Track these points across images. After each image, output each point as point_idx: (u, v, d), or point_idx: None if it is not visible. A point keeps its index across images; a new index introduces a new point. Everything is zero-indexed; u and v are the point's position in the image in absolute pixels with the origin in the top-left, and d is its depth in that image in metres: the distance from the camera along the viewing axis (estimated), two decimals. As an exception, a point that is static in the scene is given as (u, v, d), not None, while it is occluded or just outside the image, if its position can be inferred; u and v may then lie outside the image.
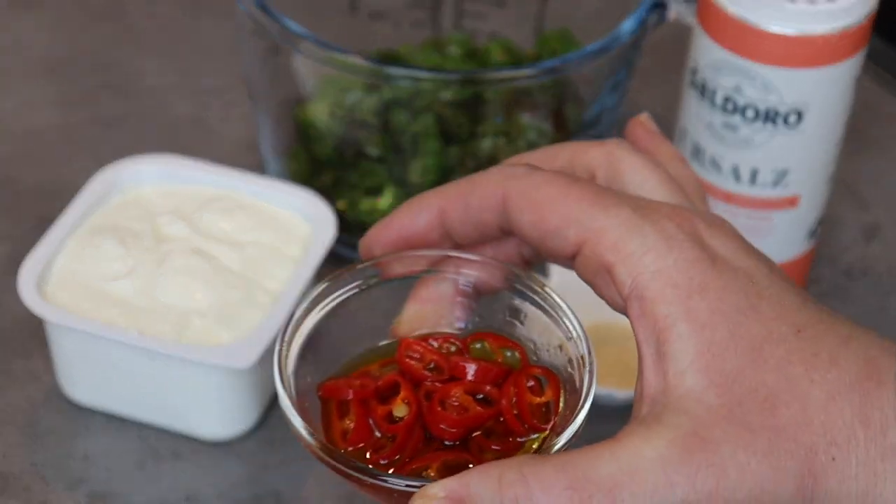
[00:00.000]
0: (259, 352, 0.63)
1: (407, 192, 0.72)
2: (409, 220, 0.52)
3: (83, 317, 0.64)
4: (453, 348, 0.52)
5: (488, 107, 0.72)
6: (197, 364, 0.63)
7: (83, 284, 0.66)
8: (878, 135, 0.87)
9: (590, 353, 0.50)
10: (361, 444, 0.49)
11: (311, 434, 0.48)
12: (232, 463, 0.66)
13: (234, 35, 0.89)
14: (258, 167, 0.79)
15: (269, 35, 0.70)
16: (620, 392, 0.66)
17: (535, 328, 0.53)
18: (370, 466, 0.47)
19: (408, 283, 0.53)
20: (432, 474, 0.48)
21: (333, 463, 0.47)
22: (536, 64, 0.70)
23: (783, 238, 0.70)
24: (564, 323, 0.51)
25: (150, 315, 0.65)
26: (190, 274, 0.66)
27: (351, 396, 0.50)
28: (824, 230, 0.79)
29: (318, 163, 0.75)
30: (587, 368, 0.50)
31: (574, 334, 0.51)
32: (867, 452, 0.46)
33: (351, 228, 0.74)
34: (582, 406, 0.49)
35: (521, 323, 0.53)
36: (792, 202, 0.69)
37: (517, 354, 0.52)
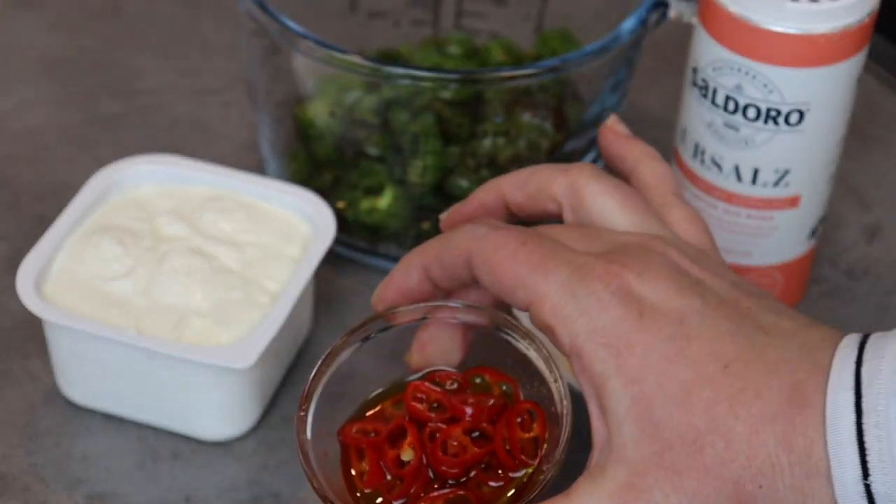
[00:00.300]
0: (259, 352, 0.62)
1: (407, 191, 0.72)
2: (402, 279, 0.59)
3: (82, 317, 0.64)
4: (455, 385, 0.58)
5: (488, 107, 0.72)
6: (196, 364, 0.63)
7: (82, 284, 0.66)
8: (879, 134, 0.86)
9: (567, 397, 0.55)
10: (376, 486, 0.56)
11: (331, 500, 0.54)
12: (231, 463, 0.66)
13: (233, 35, 0.89)
14: (258, 167, 0.79)
15: (269, 34, 0.70)
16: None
17: (525, 366, 0.58)
18: None
19: (409, 330, 0.59)
20: None
21: None
22: (536, 63, 0.70)
23: (784, 238, 0.70)
24: (547, 364, 0.56)
25: (150, 315, 0.65)
26: (189, 274, 0.66)
27: (365, 445, 0.56)
28: (826, 230, 0.79)
29: (317, 162, 0.75)
30: (566, 415, 0.55)
31: (556, 376, 0.56)
32: (793, 475, 0.49)
33: (351, 228, 0.74)
34: (563, 450, 0.54)
35: (513, 360, 0.58)
36: (793, 202, 0.69)
37: (511, 388, 0.58)
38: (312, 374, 0.57)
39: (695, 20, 0.68)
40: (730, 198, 0.69)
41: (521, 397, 0.58)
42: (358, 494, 0.56)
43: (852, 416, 0.49)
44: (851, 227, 0.80)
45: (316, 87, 0.73)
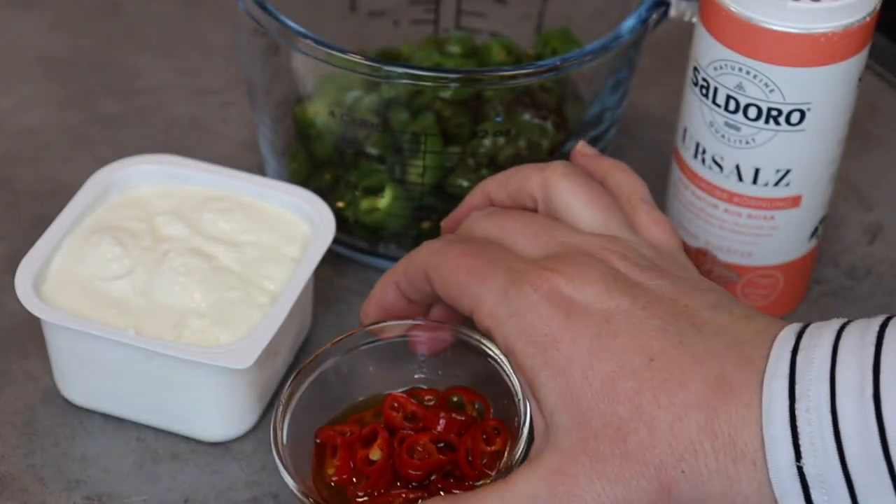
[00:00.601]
0: (258, 352, 0.62)
1: (407, 191, 0.72)
2: (381, 295, 0.63)
3: (81, 317, 0.64)
4: (433, 401, 0.63)
5: (488, 106, 0.72)
6: (195, 364, 0.62)
7: (81, 284, 0.65)
8: (880, 134, 0.86)
9: (526, 414, 0.58)
10: (343, 481, 0.60)
11: (300, 490, 0.58)
12: (230, 464, 0.65)
13: (233, 34, 0.89)
14: (257, 167, 0.79)
15: (269, 33, 0.70)
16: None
17: (497, 383, 0.61)
18: None
19: (393, 345, 0.63)
20: None
21: None
22: (537, 63, 0.70)
23: (786, 238, 0.70)
24: (514, 384, 0.59)
25: (149, 315, 0.65)
26: (188, 274, 0.66)
27: (339, 442, 0.61)
28: (827, 230, 0.79)
29: (317, 162, 0.74)
30: (524, 428, 0.58)
31: (520, 396, 0.59)
32: (717, 461, 0.52)
33: (350, 228, 0.74)
34: (511, 457, 0.58)
35: (488, 377, 0.62)
36: (794, 202, 0.69)
37: (483, 406, 0.62)
38: (293, 375, 0.61)
39: (695, 19, 0.68)
40: (731, 198, 0.69)
41: (492, 416, 0.62)
42: (324, 489, 0.60)
43: (786, 403, 0.51)
44: (853, 226, 0.80)
45: (315, 87, 0.72)
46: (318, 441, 0.62)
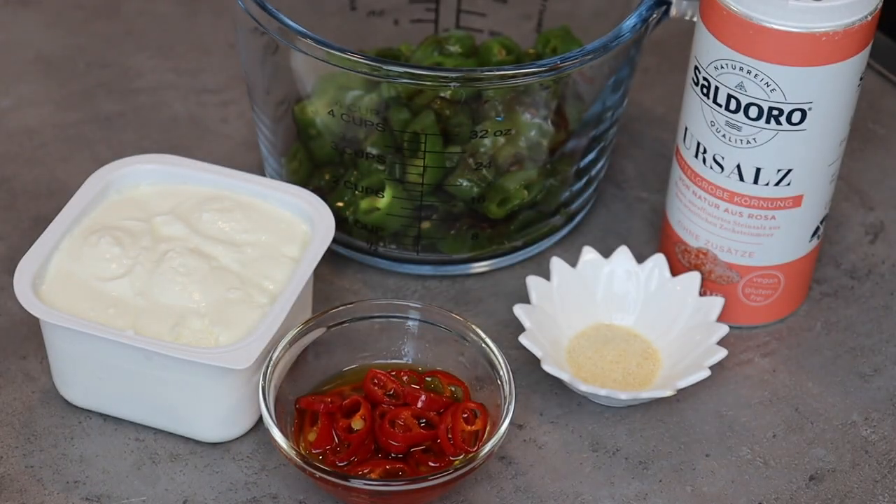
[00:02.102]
0: (258, 352, 0.62)
1: (407, 191, 0.72)
2: None
3: (79, 317, 0.63)
4: (410, 382, 0.65)
5: (488, 105, 0.71)
6: (194, 365, 0.62)
7: (80, 284, 0.65)
8: (882, 133, 0.86)
9: (511, 394, 0.63)
10: (323, 448, 0.63)
11: (291, 446, 0.61)
12: (230, 465, 0.65)
13: (232, 33, 0.89)
14: (257, 166, 0.79)
15: (268, 33, 0.69)
16: (623, 393, 0.66)
17: (476, 368, 0.65)
18: (332, 469, 0.61)
19: (374, 323, 0.66)
20: (374, 476, 0.62)
21: (306, 468, 0.61)
22: (537, 62, 0.69)
23: (788, 238, 0.70)
24: (494, 367, 0.64)
25: (148, 315, 0.64)
26: (188, 274, 0.66)
27: (322, 409, 0.63)
28: (828, 229, 0.78)
29: (317, 162, 0.74)
30: (505, 408, 0.62)
31: (503, 377, 0.63)
32: None
33: (350, 228, 0.74)
34: (491, 439, 0.61)
35: (467, 362, 0.65)
36: (796, 201, 0.69)
37: (461, 390, 0.65)
38: (275, 351, 0.63)
39: (696, 18, 0.68)
40: (732, 197, 0.69)
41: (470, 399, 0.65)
42: (305, 454, 0.62)
43: None
44: (854, 226, 0.80)
45: (315, 87, 0.72)
46: (298, 408, 0.64)
